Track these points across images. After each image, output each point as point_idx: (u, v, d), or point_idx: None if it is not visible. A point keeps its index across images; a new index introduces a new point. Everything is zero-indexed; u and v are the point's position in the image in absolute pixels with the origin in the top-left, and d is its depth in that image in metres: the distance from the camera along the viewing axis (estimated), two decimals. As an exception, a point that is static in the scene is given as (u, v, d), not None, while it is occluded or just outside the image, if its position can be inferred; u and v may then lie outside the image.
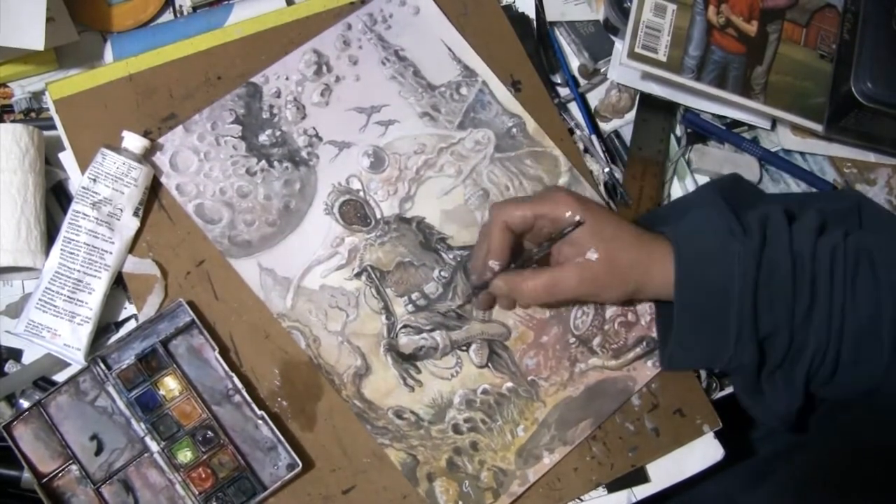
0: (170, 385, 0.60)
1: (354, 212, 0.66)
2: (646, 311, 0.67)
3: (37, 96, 0.69)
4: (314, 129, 0.67)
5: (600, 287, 0.60)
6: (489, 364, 0.65)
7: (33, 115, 0.68)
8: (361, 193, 0.67)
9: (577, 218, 0.59)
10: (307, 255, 0.65)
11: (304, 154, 0.67)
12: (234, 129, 0.66)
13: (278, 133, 0.67)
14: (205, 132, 0.66)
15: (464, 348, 0.65)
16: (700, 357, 0.62)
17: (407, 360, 0.64)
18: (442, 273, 0.66)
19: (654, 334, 0.67)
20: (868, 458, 0.67)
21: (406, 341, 0.65)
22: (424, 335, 0.65)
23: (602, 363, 0.66)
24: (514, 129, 0.70)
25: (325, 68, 0.69)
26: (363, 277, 0.65)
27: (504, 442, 0.64)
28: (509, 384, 0.65)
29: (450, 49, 0.70)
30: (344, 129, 0.68)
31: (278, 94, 0.67)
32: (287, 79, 0.68)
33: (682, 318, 0.59)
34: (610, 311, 0.67)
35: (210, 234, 0.64)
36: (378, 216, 0.67)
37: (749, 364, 0.59)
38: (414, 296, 0.65)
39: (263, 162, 0.66)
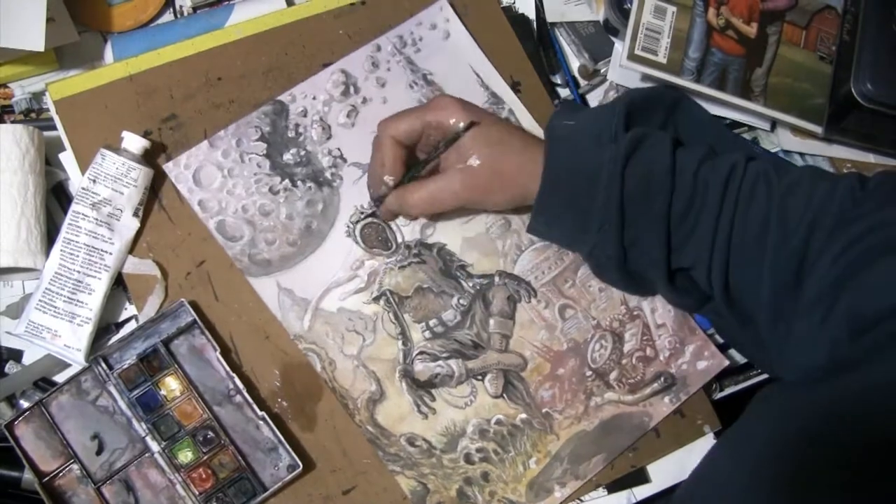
0: (171, 385, 0.60)
1: (376, 235, 0.66)
2: (664, 346, 0.66)
3: (37, 97, 0.69)
4: (339, 149, 0.67)
5: (483, 193, 0.60)
6: (504, 394, 0.64)
7: (33, 115, 0.68)
8: None
9: (462, 124, 0.59)
10: (326, 276, 0.64)
11: (327, 175, 0.66)
12: (259, 146, 0.65)
13: (303, 152, 0.66)
14: (229, 148, 0.65)
15: (479, 377, 0.64)
16: (560, 235, 0.63)
17: (422, 387, 0.63)
18: (461, 301, 0.65)
19: (673, 370, 0.66)
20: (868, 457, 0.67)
21: (422, 368, 0.64)
22: (440, 362, 0.64)
23: (618, 397, 0.65)
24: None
25: (352, 89, 0.68)
26: (381, 302, 0.64)
27: (515, 474, 0.63)
28: (523, 415, 0.64)
29: (478, 76, 0.70)
30: (369, 151, 0.65)
31: (305, 114, 0.67)
32: (314, 98, 0.67)
33: (546, 197, 0.59)
34: (628, 346, 0.66)
35: (230, 252, 0.63)
36: (399, 241, 0.66)
37: (614, 256, 0.59)
38: (431, 322, 0.65)
39: (287, 181, 0.65)
